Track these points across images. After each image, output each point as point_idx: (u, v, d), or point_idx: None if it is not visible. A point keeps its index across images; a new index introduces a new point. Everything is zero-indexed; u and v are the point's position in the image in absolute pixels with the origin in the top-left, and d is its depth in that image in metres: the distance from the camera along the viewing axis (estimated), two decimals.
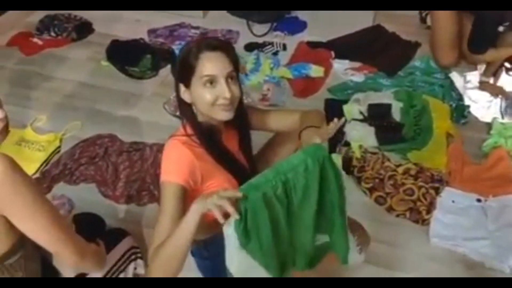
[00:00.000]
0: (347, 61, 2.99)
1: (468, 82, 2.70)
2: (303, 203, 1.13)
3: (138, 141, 2.44)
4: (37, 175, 2.27)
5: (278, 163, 1.11)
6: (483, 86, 2.63)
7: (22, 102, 2.72)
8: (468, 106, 2.56)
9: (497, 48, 2.55)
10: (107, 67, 3.00)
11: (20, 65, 3.05)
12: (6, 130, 1.10)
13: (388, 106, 2.52)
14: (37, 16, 3.40)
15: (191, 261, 1.59)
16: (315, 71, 2.86)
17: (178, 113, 1.59)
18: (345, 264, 1.29)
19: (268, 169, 1.10)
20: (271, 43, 3.18)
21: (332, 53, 3.04)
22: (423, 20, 3.32)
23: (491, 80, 2.61)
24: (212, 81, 1.23)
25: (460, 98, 2.60)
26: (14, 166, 1.05)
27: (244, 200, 1.02)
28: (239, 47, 3.13)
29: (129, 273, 1.68)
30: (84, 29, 3.34)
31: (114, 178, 2.22)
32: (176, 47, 3.11)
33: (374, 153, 2.30)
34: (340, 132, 2.21)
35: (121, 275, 1.63)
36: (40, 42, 3.22)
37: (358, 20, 3.35)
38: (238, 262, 1.08)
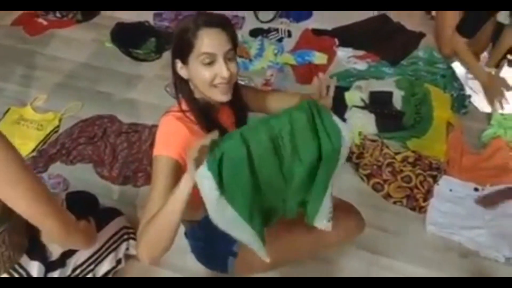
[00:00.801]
0: (350, 49, 2.97)
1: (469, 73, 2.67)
2: (293, 151, 1.09)
3: (137, 122, 2.44)
4: (34, 153, 2.27)
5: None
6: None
7: (24, 81, 2.72)
8: (469, 96, 2.54)
9: (499, 40, 2.53)
10: (111, 48, 3.00)
11: (23, 44, 3.05)
12: None
13: (390, 94, 2.51)
14: None
15: (185, 244, 1.59)
16: (318, 58, 2.86)
17: None
18: (310, 223, 1.27)
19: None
20: (276, 30, 3.17)
21: (336, 41, 3.02)
22: (428, 11, 3.28)
23: (493, 72, 2.58)
24: (210, 59, 1.21)
25: (462, 88, 2.58)
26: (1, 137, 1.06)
27: (220, 143, 1.00)
28: (244, 32, 3.13)
29: (121, 252, 1.67)
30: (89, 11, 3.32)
31: (112, 159, 2.23)
32: None
33: (374, 140, 2.29)
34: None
35: (112, 254, 1.62)
36: (45, 23, 3.22)
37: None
38: (215, 209, 1.05)
